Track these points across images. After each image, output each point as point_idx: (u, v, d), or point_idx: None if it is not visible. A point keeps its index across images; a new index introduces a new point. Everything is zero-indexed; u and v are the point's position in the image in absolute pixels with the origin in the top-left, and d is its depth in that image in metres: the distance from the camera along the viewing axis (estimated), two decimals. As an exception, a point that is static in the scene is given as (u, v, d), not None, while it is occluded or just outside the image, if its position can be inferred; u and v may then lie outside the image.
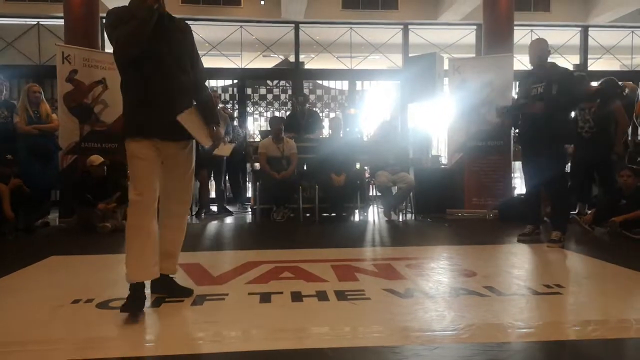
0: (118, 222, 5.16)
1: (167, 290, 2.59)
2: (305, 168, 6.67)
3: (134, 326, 2.13)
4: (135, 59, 2.30)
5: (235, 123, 7.84)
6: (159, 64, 2.35)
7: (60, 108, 6.00)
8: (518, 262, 3.63)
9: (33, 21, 9.37)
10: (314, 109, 8.71)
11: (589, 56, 10.25)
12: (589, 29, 10.32)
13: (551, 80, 4.07)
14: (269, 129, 6.60)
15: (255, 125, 10.18)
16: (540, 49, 4.17)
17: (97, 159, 5.30)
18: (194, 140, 2.53)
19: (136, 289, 2.33)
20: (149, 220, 2.34)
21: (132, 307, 2.25)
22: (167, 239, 2.55)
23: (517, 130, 4.86)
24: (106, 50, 7.80)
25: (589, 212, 5.23)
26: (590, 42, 10.30)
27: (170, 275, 2.62)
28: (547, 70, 4.18)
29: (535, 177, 4.32)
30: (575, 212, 5.46)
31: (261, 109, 10.20)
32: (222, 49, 9.93)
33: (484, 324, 2.16)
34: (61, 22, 7.77)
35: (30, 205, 5.16)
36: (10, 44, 9.50)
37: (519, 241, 4.31)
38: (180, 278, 2.97)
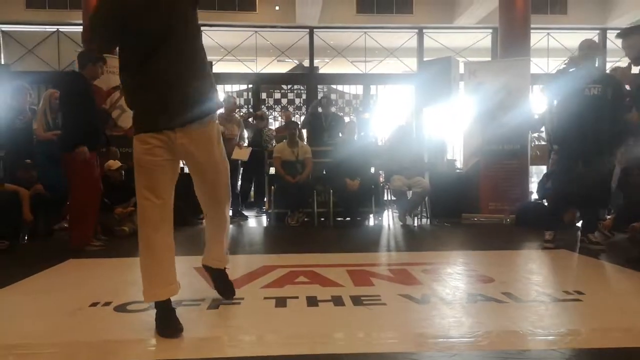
0: (135, 226, 5.21)
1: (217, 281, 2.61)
2: (324, 172, 6.66)
3: (151, 329, 2.14)
4: None
5: (272, 126, 7.83)
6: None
7: (79, 113, 6.08)
8: (536, 268, 3.58)
9: (53, 28, 9.57)
10: (336, 111, 8.72)
11: (608, 59, 10.10)
12: (608, 31, 10.17)
13: (607, 84, 4.02)
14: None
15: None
16: (599, 50, 4.21)
17: (114, 163, 5.37)
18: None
19: (165, 307, 2.16)
20: (166, 231, 2.18)
21: (172, 330, 2.08)
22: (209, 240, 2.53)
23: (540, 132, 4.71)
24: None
25: (609, 217, 5.14)
26: (609, 44, 10.15)
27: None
28: (601, 72, 4.19)
29: (581, 178, 4.12)
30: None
31: (275, 113, 10.25)
32: (237, 54, 10.01)
33: (502, 331, 2.13)
34: (80, 29, 7.92)
35: (50, 210, 5.24)
36: (31, 51, 9.70)
37: (544, 249, 4.20)
38: (197, 282, 3.01)
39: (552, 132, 4.73)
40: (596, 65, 4.22)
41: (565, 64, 4.31)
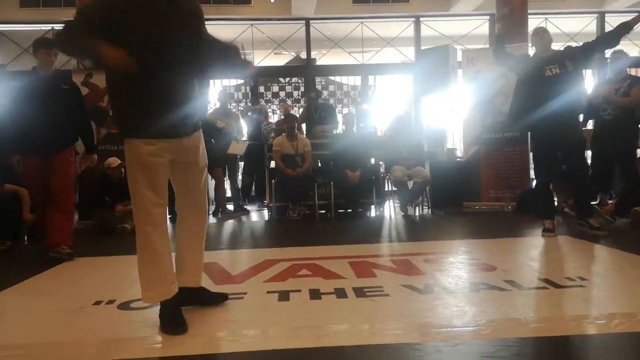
0: (136, 223, 5.21)
1: (202, 301, 2.42)
2: (319, 164, 6.66)
3: (155, 326, 2.14)
4: None
5: (271, 119, 7.85)
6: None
7: (76, 112, 6.07)
8: (538, 255, 3.58)
9: (47, 27, 9.50)
10: (327, 101, 8.74)
11: (606, 43, 10.04)
12: (606, 15, 10.10)
13: (563, 58, 4.05)
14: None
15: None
16: (549, 37, 4.21)
17: (114, 161, 5.35)
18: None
19: (172, 305, 2.17)
20: (165, 231, 2.20)
21: (179, 327, 2.09)
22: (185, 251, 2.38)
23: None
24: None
25: (611, 202, 5.12)
26: (607, 28, 10.08)
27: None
28: (556, 52, 4.20)
29: (558, 166, 4.20)
30: (596, 203, 5.35)
31: (274, 106, 10.22)
32: (234, 48, 9.95)
33: (505, 319, 2.13)
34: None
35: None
36: (26, 50, 9.64)
37: (544, 236, 4.17)
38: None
39: (510, 113, 4.75)
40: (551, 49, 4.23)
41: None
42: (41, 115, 3.65)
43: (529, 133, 4.52)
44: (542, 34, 4.20)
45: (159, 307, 2.19)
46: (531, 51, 4.46)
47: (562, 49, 4.27)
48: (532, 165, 6.47)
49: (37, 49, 3.86)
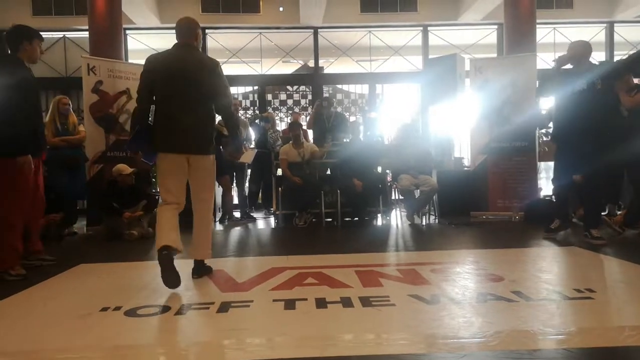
0: (144, 230, 5.24)
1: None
2: (328, 172, 6.67)
3: (161, 334, 2.15)
4: None
5: (278, 128, 7.88)
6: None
7: (86, 118, 6.14)
8: (546, 265, 3.55)
9: (59, 34, 9.63)
10: (341, 110, 8.76)
11: (615, 52, 10.00)
12: (615, 24, 10.07)
13: (593, 75, 4.11)
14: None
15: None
16: (582, 51, 4.24)
17: (125, 168, 5.37)
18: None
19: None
20: None
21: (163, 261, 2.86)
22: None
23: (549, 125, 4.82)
24: (129, 62, 7.96)
25: (619, 213, 5.08)
26: (616, 38, 10.05)
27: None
28: (591, 65, 4.26)
29: (574, 171, 4.26)
30: (605, 214, 5.31)
31: (282, 114, 10.26)
32: (242, 56, 10.02)
33: (513, 330, 2.11)
34: (86, 34, 7.96)
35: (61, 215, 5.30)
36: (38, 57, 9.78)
37: (545, 238, 4.21)
38: (205, 284, 3.04)
39: (553, 127, 4.84)
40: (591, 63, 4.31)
41: (555, 61, 4.40)
42: (34, 111, 3.35)
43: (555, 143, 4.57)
44: (571, 51, 4.25)
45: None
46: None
47: (596, 63, 4.36)
48: (540, 175, 6.49)
49: (32, 38, 3.47)
